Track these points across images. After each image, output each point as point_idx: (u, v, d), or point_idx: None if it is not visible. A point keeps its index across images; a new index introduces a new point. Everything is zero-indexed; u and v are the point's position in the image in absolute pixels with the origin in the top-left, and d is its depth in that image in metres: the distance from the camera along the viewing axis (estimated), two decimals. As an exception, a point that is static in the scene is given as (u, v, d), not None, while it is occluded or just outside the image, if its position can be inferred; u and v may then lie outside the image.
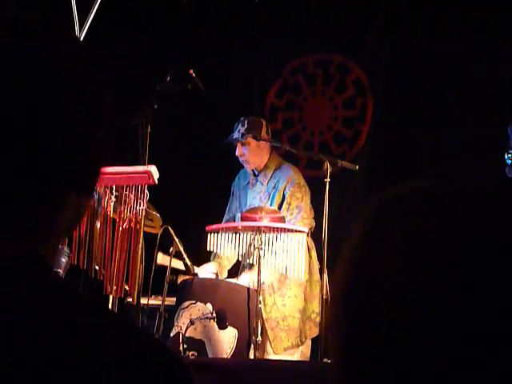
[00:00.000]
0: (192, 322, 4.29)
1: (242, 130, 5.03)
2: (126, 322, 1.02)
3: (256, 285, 4.56)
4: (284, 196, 5.03)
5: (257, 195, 5.16)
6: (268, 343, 4.82)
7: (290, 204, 5.00)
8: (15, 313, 0.92)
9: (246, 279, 4.85)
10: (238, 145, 5.08)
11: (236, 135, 5.06)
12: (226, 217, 5.33)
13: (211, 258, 5.22)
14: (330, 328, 0.90)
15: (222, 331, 4.43)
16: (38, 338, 0.91)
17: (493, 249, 0.83)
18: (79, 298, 0.98)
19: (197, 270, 5.06)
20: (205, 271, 5.10)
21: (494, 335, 0.80)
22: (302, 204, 5.01)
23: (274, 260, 4.72)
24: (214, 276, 5.11)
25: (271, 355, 4.80)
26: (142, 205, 3.25)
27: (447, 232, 0.84)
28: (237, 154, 5.10)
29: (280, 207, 5.00)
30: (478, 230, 0.84)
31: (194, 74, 4.74)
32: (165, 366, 0.95)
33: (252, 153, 5.08)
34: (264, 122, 5.18)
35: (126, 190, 3.25)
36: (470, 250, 0.83)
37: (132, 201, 3.23)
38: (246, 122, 5.06)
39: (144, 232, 4.08)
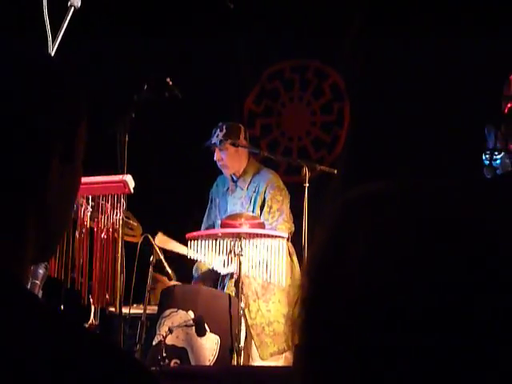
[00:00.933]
0: (171, 331, 4.29)
1: (221, 135, 5.04)
2: (94, 335, 1.01)
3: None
4: (265, 199, 5.04)
5: (237, 201, 5.16)
6: (253, 349, 4.82)
7: (271, 207, 5.01)
8: None
9: (218, 261, 4.84)
10: (217, 150, 5.08)
11: (214, 140, 5.06)
12: (204, 225, 5.32)
13: (193, 271, 5.21)
14: (296, 331, 0.90)
15: (204, 338, 4.43)
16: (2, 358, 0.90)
17: (453, 246, 0.83)
18: (47, 312, 0.97)
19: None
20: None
21: (461, 328, 0.81)
22: (283, 207, 5.03)
23: (255, 266, 4.73)
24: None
25: (257, 361, 4.79)
26: (119, 214, 3.24)
27: (408, 232, 0.84)
28: (215, 158, 5.10)
29: (262, 210, 5.01)
30: (438, 228, 0.85)
31: (170, 82, 4.75)
32: (135, 379, 0.94)
33: (230, 157, 5.08)
34: (242, 128, 5.19)
35: (102, 200, 3.25)
36: (431, 249, 0.83)
37: (109, 210, 3.23)
38: (224, 127, 5.07)
39: (124, 241, 4.08)
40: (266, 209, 5.00)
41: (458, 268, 0.82)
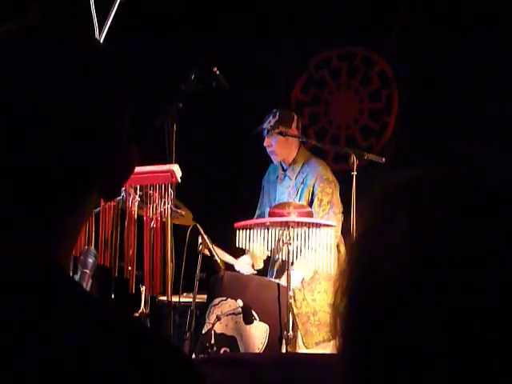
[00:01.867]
0: (218, 318, 4.31)
1: (273, 121, 5.02)
2: (135, 323, 1.02)
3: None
4: (313, 192, 5.02)
5: (285, 190, 5.16)
6: (299, 338, 4.82)
7: (321, 200, 4.99)
8: (25, 315, 0.93)
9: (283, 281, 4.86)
10: (267, 136, 5.07)
11: (265, 126, 5.05)
12: (257, 212, 5.35)
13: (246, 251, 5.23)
14: (339, 315, 0.90)
15: (253, 327, 4.45)
16: (43, 342, 0.91)
17: (493, 231, 0.82)
18: (92, 302, 0.98)
19: (235, 262, 5.08)
20: (242, 263, 5.11)
21: (499, 312, 0.80)
22: (333, 199, 5.01)
23: (305, 255, 4.73)
24: (250, 267, 5.11)
25: (303, 350, 4.80)
26: (167, 203, 3.27)
27: (447, 218, 0.84)
28: (265, 144, 5.09)
29: (310, 204, 5.00)
30: (478, 215, 0.84)
31: (218, 72, 4.76)
32: (175, 371, 0.95)
33: (280, 145, 5.07)
34: (295, 116, 5.17)
35: (150, 190, 3.28)
36: (471, 231, 0.82)
37: (157, 199, 3.25)
38: (277, 114, 5.05)
39: (174, 226, 4.10)
40: (316, 202, 4.98)
41: (497, 261, 0.81)
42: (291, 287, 4.58)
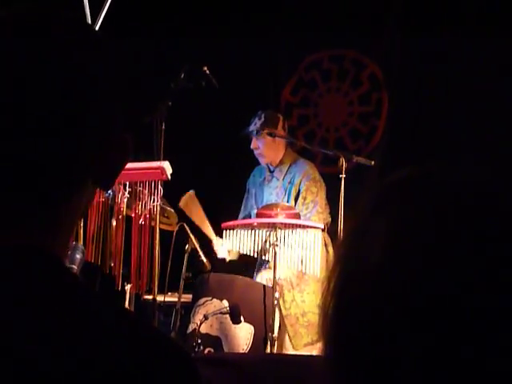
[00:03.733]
0: (206, 317, 4.29)
1: (259, 123, 5.01)
2: (133, 316, 1.01)
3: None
4: (299, 190, 5.02)
5: (273, 191, 5.15)
6: (287, 339, 4.81)
7: (305, 198, 4.99)
8: (21, 306, 0.91)
9: (264, 277, 4.85)
10: (254, 138, 5.06)
11: (252, 128, 5.04)
12: (241, 215, 5.32)
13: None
14: (322, 317, 0.90)
15: (238, 328, 4.43)
16: (41, 335, 0.89)
17: (473, 234, 0.81)
18: (89, 292, 0.97)
19: (214, 238, 5.02)
20: (221, 245, 5.04)
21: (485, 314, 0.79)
22: (317, 198, 5.00)
23: (290, 256, 4.72)
24: (226, 253, 5.06)
25: (290, 351, 4.79)
26: (156, 200, 3.25)
27: (428, 222, 0.83)
28: (252, 146, 5.08)
29: (296, 202, 5.00)
30: (463, 215, 0.83)
31: (207, 71, 4.75)
32: (173, 363, 0.94)
33: (267, 147, 5.06)
34: (281, 117, 5.16)
35: (139, 186, 3.25)
36: (450, 235, 0.82)
37: (146, 197, 3.23)
38: (262, 116, 5.04)
39: (160, 229, 4.09)
40: (300, 200, 4.98)
41: (483, 260, 0.80)
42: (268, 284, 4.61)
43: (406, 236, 0.84)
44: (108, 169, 1.03)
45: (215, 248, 5.01)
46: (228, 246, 4.86)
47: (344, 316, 0.87)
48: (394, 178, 0.91)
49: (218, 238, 5.01)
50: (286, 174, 5.11)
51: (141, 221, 3.22)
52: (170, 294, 4.99)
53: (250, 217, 5.21)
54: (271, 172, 5.18)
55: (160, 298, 4.72)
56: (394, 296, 0.82)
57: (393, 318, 0.82)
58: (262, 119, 5.03)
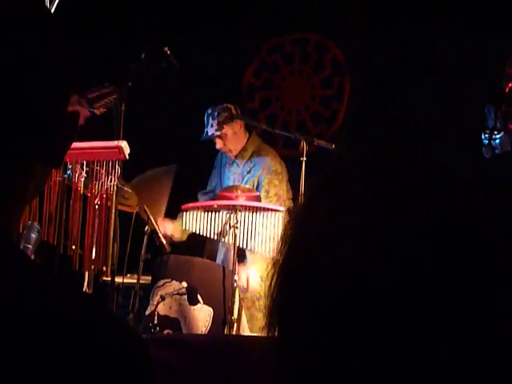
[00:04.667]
0: (163, 298, 4.28)
1: (215, 123, 5.02)
2: (82, 296, 1.00)
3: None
4: (259, 183, 5.02)
5: (231, 176, 5.17)
6: (243, 322, 4.82)
7: (268, 191, 5.00)
8: None
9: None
10: (217, 139, 5.07)
11: (211, 131, 5.05)
12: (208, 187, 5.34)
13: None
14: (268, 301, 0.91)
15: (197, 309, 4.43)
16: None
17: (405, 219, 0.83)
18: (36, 269, 0.95)
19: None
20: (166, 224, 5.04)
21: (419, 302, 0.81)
22: (279, 191, 5.02)
23: (250, 239, 4.72)
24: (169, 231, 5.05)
25: (247, 334, 4.80)
26: (113, 180, 3.22)
27: (364, 205, 0.85)
28: (218, 147, 5.11)
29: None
30: (394, 203, 0.84)
31: (168, 52, 4.71)
32: (122, 343, 0.92)
33: (231, 141, 5.09)
34: (231, 106, 5.13)
35: (97, 166, 3.23)
36: (386, 220, 0.83)
37: (103, 176, 3.21)
38: (215, 114, 5.05)
39: (119, 210, 4.06)
40: (263, 193, 4.98)
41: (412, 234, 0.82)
42: (250, 288, 4.62)
43: (343, 214, 0.85)
44: (54, 145, 1.01)
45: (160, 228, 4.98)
46: (187, 227, 4.84)
47: (285, 294, 0.88)
48: (339, 161, 0.92)
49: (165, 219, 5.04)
50: (246, 162, 5.12)
51: (96, 200, 3.19)
52: (129, 275, 4.97)
53: (213, 193, 5.21)
54: (234, 157, 5.18)
55: (119, 280, 4.71)
56: (330, 273, 0.83)
57: (331, 296, 0.83)
58: (216, 117, 5.03)
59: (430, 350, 0.80)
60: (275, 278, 0.90)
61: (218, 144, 5.08)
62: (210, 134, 5.07)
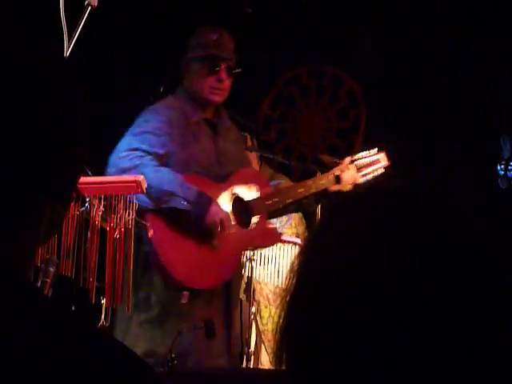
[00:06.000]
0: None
1: None
2: (89, 326, 1.00)
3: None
4: None
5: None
6: (263, 355, 4.80)
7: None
8: None
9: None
10: None
11: None
12: None
13: None
14: (280, 329, 0.92)
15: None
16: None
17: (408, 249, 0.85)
18: (48, 304, 0.97)
19: None
20: None
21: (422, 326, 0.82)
22: (293, 218, 5.02)
23: (268, 271, 4.72)
24: None
25: (267, 367, 4.78)
26: (131, 214, 3.24)
27: (370, 234, 0.88)
28: None
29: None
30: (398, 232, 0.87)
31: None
32: (129, 372, 0.93)
33: None
34: (248, 136, 5.15)
35: (115, 200, 3.25)
36: (392, 250, 0.86)
37: (121, 210, 3.23)
38: None
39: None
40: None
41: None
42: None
43: (345, 251, 0.87)
44: (62, 181, 1.03)
45: None
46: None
47: (292, 327, 0.90)
48: (345, 196, 0.95)
49: None
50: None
51: (116, 234, 3.21)
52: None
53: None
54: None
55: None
56: (332, 311, 0.85)
57: (335, 332, 0.84)
58: None
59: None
60: (283, 312, 0.91)
61: None
62: None
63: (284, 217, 4.98)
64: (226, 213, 3.97)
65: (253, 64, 6.53)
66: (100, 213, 3.24)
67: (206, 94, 4.07)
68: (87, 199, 3.27)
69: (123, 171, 3.64)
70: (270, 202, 4.18)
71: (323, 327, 0.86)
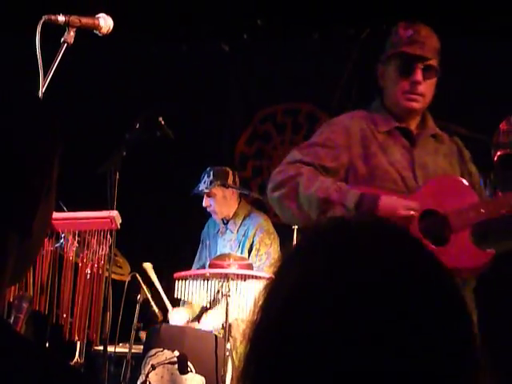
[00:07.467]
0: (153, 367, 4.26)
1: (208, 181, 5.09)
2: (62, 363, 1.00)
3: (219, 328, 4.58)
4: (253, 242, 5.06)
5: (227, 243, 5.18)
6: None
7: (258, 250, 5.03)
8: None
9: (209, 323, 4.86)
10: (205, 196, 5.14)
11: (202, 187, 5.12)
12: (195, 266, 5.34)
13: (181, 305, 5.21)
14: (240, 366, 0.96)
15: (189, 379, 4.39)
16: None
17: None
18: (20, 340, 0.97)
19: (170, 312, 5.08)
20: (177, 316, 5.10)
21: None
22: (270, 250, 5.05)
23: (243, 306, 4.71)
24: (182, 321, 5.11)
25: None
26: (104, 249, 3.24)
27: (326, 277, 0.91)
28: (204, 205, 5.17)
29: (250, 254, 5.03)
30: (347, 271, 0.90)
31: (163, 122, 4.78)
32: None
33: (218, 203, 5.14)
34: (230, 171, 5.23)
35: (88, 235, 3.25)
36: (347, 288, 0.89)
37: (95, 245, 3.23)
38: (211, 173, 5.13)
39: (113, 279, 4.06)
40: (253, 252, 5.02)
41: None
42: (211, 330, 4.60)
43: (306, 287, 0.91)
44: (23, 212, 1.04)
45: (170, 320, 5.05)
46: (180, 295, 4.84)
47: (252, 360, 0.94)
48: (307, 233, 0.97)
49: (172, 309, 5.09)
50: (240, 227, 5.16)
51: (87, 270, 3.21)
52: (121, 344, 4.94)
53: (204, 267, 5.22)
54: (225, 224, 5.22)
55: (111, 349, 4.68)
56: (290, 347, 0.88)
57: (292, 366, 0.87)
58: (211, 176, 5.10)
59: None
60: (247, 344, 0.95)
61: (205, 202, 5.15)
62: (200, 189, 5.14)
63: (264, 255, 5.01)
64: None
65: (229, 102, 6.60)
66: (74, 248, 3.24)
67: (399, 101, 3.32)
68: (62, 235, 3.27)
69: (280, 185, 3.16)
70: (473, 213, 3.23)
71: (282, 356, 0.88)
